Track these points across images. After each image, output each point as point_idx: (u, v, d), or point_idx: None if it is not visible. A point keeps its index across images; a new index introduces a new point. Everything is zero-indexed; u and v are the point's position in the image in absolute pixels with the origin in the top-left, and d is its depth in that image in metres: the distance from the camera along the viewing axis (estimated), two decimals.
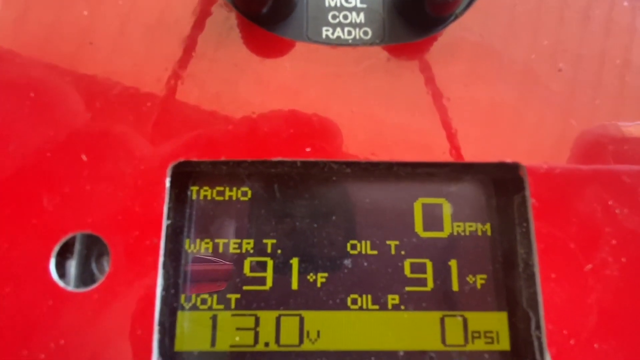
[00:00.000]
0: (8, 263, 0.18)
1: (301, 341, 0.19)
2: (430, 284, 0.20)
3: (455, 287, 0.20)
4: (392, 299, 0.19)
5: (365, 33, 0.21)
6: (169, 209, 0.19)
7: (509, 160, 0.19)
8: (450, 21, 0.21)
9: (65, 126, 0.19)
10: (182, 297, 0.19)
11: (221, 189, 0.20)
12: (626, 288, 0.18)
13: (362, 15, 0.21)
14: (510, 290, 0.20)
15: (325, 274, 0.19)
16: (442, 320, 0.19)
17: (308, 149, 0.19)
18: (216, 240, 0.20)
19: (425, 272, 0.20)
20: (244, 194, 0.20)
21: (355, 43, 0.21)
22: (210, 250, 0.20)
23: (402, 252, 0.20)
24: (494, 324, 0.19)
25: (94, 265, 0.19)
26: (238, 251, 0.20)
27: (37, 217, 0.18)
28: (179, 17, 0.21)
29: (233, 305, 0.19)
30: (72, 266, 0.19)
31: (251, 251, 0.20)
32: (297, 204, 0.20)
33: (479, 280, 0.20)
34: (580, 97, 0.20)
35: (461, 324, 0.19)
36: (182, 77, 0.20)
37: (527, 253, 0.19)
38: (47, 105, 0.19)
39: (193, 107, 0.20)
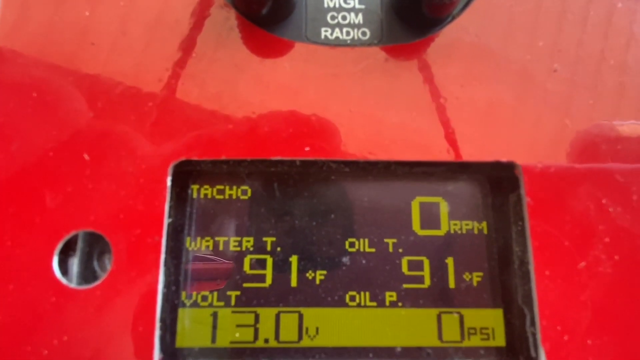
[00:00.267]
0: (11, 261, 0.18)
1: (300, 337, 0.19)
2: (427, 282, 0.20)
3: (451, 284, 0.20)
4: (390, 296, 0.20)
5: (364, 34, 0.21)
6: (170, 207, 0.19)
7: (504, 159, 0.20)
8: (447, 22, 0.21)
9: (67, 126, 0.19)
10: (183, 294, 0.19)
11: (221, 187, 0.20)
12: (619, 285, 0.18)
13: (360, 16, 0.22)
14: (505, 288, 0.20)
15: (324, 272, 0.20)
16: (438, 317, 0.20)
17: (307, 149, 0.20)
18: (216, 238, 0.20)
19: (422, 270, 0.20)
20: (244, 192, 0.21)
21: (354, 44, 0.21)
22: (210, 248, 0.20)
23: (400, 250, 0.20)
24: (489, 321, 0.20)
25: (95, 263, 0.20)
26: (238, 249, 0.20)
27: (40, 215, 0.18)
28: (179, 17, 0.21)
29: (233, 302, 0.19)
30: (74, 264, 0.19)
31: (251, 249, 0.20)
32: (296, 203, 0.20)
33: (475, 277, 0.20)
34: (575, 97, 0.21)
35: (457, 321, 0.19)
36: (182, 77, 0.20)
37: (523, 251, 0.19)
38: (50, 105, 0.19)
39: (193, 107, 0.20)
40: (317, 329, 0.19)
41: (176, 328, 0.19)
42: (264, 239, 0.20)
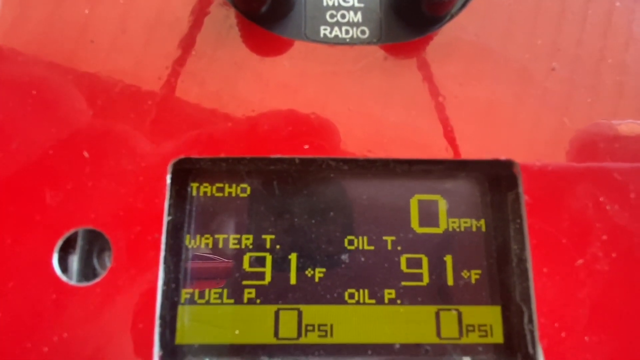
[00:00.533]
0: (12, 258, 0.18)
1: (299, 335, 0.19)
2: (425, 279, 0.20)
3: (450, 281, 0.20)
4: (389, 293, 0.20)
5: (363, 32, 0.21)
6: (170, 205, 0.19)
7: (503, 157, 0.20)
8: (446, 21, 0.21)
9: (67, 124, 0.19)
10: (183, 291, 0.19)
11: (221, 185, 0.21)
12: (616, 282, 0.19)
13: (359, 14, 0.22)
14: (503, 285, 0.20)
15: (323, 269, 0.20)
16: (437, 314, 0.20)
17: (306, 147, 0.20)
18: (216, 236, 0.20)
19: (421, 267, 0.20)
20: (243, 190, 0.21)
21: (353, 42, 0.21)
22: (210, 246, 0.20)
23: (399, 248, 0.20)
24: (487, 318, 0.20)
25: (95, 261, 0.20)
26: (237, 247, 0.20)
27: (40, 213, 0.18)
28: (179, 16, 0.21)
29: (233, 300, 0.19)
30: (74, 261, 0.19)
31: (250, 246, 0.20)
32: (295, 201, 0.21)
33: (474, 275, 0.20)
34: (574, 96, 0.21)
35: (456, 318, 0.20)
36: (182, 75, 0.20)
37: (521, 248, 0.20)
38: (49, 103, 0.20)
39: (193, 105, 0.20)
40: (316, 326, 0.19)
41: (176, 325, 0.19)
42: (264, 236, 0.20)
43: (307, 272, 0.20)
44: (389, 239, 0.20)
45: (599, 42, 0.21)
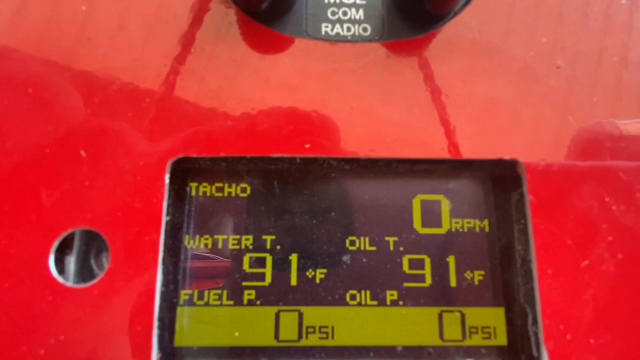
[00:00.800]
0: (7, 259, 0.18)
1: (300, 337, 0.19)
2: (428, 280, 0.20)
3: (453, 283, 0.20)
4: (391, 294, 0.19)
5: (365, 29, 0.21)
6: (169, 205, 0.19)
7: (507, 157, 0.20)
8: (449, 18, 0.21)
9: (63, 122, 0.19)
10: (182, 292, 0.19)
11: (220, 185, 0.20)
12: (622, 284, 0.18)
13: (361, 11, 0.21)
14: (507, 286, 0.20)
15: (324, 270, 0.20)
16: (440, 316, 0.19)
17: (307, 146, 0.19)
18: (215, 237, 0.20)
19: (423, 268, 0.20)
20: (243, 190, 0.20)
21: (355, 39, 0.21)
22: (209, 246, 0.20)
23: (401, 248, 0.20)
24: (491, 320, 0.19)
25: (93, 262, 0.19)
26: (237, 247, 0.20)
27: (36, 213, 0.18)
28: (178, 12, 0.21)
29: (232, 301, 0.19)
30: (71, 262, 0.19)
31: (250, 247, 0.20)
32: (296, 200, 0.20)
33: (477, 276, 0.20)
34: (578, 94, 0.20)
35: (459, 320, 0.19)
36: (181, 73, 0.20)
37: (525, 249, 0.19)
38: (46, 101, 0.19)
39: (192, 103, 0.20)
40: (317, 328, 0.19)
41: (175, 327, 0.19)
42: (264, 237, 0.20)
43: (308, 273, 0.20)
44: (391, 239, 0.20)
45: (604, 39, 0.21)
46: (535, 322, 0.18)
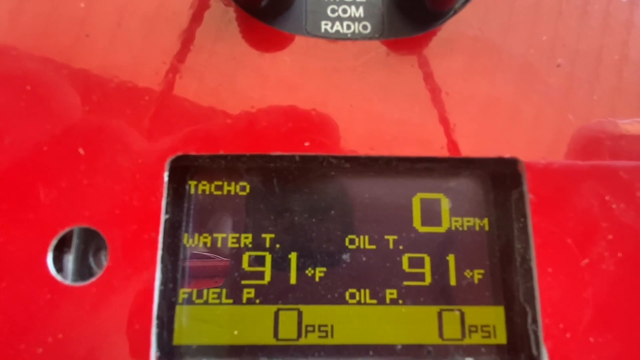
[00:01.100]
0: (5, 257, 0.18)
1: (299, 335, 0.19)
2: (428, 279, 0.20)
3: (452, 281, 0.20)
4: (390, 293, 0.19)
5: (365, 27, 0.21)
6: (167, 203, 0.19)
7: (507, 155, 0.19)
8: (449, 16, 0.21)
9: (62, 120, 0.19)
10: (181, 291, 0.19)
11: (219, 183, 0.20)
12: (622, 283, 0.18)
13: (361, 9, 0.21)
14: (507, 285, 0.20)
15: (324, 269, 0.20)
16: (439, 315, 0.19)
17: (307, 144, 0.19)
18: (214, 235, 0.20)
19: (423, 267, 0.20)
20: (243, 188, 0.20)
21: (355, 37, 0.21)
22: (208, 245, 0.20)
23: (401, 247, 0.20)
24: (491, 318, 0.19)
25: (91, 260, 0.19)
26: (236, 246, 0.20)
27: (34, 211, 0.18)
28: (177, 10, 0.21)
29: (231, 300, 0.19)
30: (69, 260, 0.19)
31: (249, 246, 0.20)
32: (295, 199, 0.20)
33: (477, 275, 0.20)
34: (579, 92, 0.20)
35: (458, 318, 0.19)
36: (180, 70, 0.20)
37: (525, 248, 0.19)
38: (44, 99, 0.19)
39: (191, 101, 0.19)
40: (316, 326, 0.19)
41: (173, 325, 0.19)
42: (263, 235, 0.20)
43: (307, 272, 0.19)
44: (391, 238, 0.20)
45: (604, 37, 0.21)
46: (534, 320, 0.18)
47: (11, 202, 0.18)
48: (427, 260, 0.20)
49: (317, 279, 0.19)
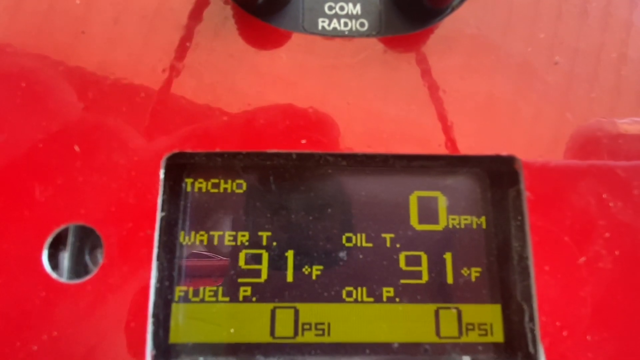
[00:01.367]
0: (0, 255, 0.17)
1: (296, 333, 0.19)
2: (425, 277, 0.20)
3: (449, 279, 0.20)
4: (387, 291, 0.19)
5: (362, 24, 0.21)
6: (164, 201, 0.19)
7: (504, 153, 0.19)
8: (447, 13, 0.21)
9: (57, 117, 0.19)
10: (177, 289, 0.19)
11: (216, 181, 0.20)
12: (619, 281, 0.18)
13: (358, 6, 0.21)
14: (504, 283, 0.20)
15: (321, 267, 0.19)
16: (436, 313, 0.19)
17: (304, 141, 0.19)
18: (211, 233, 0.20)
19: (420, 265, 0.20)
20: (239, 186, 0.20)
21: (352, 34, 0.21)
22: (205, 243, 0.20)
23: (398, 245, 0.20)
24: (488, 316, 0.19)
25: (87, 257, 0.19)
26: (233, 244, 0.20)
27: (30, 208, 0.18)
28: (174, 7, 0.20)
29: (228, 298, 0.19)
30: (65, 258, 0.19)
31: (246, 244, 0.20)
32: (292, 197, 0.20)
33: (474, 272, 0.20)
34: (577, 90, 0.20)
35: (455, 316, 0.19)
36: (177, 68, 0.20)
37: (522, 246, 0.19)
38: (39, 96, 0.19)
39: (188, 98, 0.19)
40: (313, 324, 0.19)
41: (169, 324, 0.19)
42: (260, 233, 0.20)
43: (304, 270, 0.19)
44: (388, 236, 0.20)
45: (603, 35, 0.21)
46: (532, 318, 0.18)
47: (6, 199, 0.18)
48: (424, 258, 0.20)
49: (314, 277, 0.19)
